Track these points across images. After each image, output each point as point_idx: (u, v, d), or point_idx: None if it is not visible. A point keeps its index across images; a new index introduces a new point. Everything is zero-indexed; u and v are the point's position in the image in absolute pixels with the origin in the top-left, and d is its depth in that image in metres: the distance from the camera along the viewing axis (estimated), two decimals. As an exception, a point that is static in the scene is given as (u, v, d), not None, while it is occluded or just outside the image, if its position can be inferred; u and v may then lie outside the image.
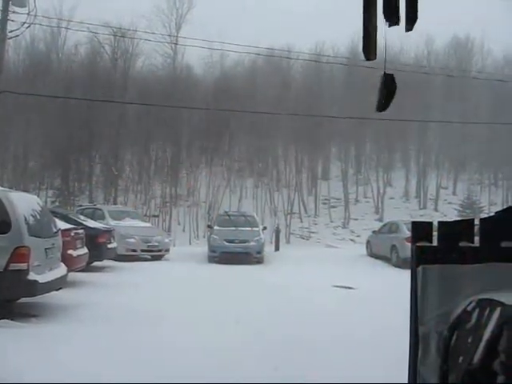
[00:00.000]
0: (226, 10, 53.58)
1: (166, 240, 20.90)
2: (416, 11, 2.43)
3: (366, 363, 5.89)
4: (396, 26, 2.63)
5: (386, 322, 7.56)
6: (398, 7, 2.47)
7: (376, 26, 2.48)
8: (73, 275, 11.17)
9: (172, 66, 46.79)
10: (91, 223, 15.84)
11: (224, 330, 7.59)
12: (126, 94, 39.82)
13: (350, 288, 12.87)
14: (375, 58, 2.51)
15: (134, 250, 18.96)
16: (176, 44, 44.59)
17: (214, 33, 37.10)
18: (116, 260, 16.63)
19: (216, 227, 20.99)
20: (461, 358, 2.42)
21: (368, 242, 23.32)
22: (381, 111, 2.78)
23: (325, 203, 42.01)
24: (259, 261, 19.66)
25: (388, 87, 2.67)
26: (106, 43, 43.30)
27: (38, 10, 16.13)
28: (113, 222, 19.09)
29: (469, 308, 2.55)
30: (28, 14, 16.28)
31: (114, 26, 39.99)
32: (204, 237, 32.75)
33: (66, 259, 10.37)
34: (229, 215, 22.22)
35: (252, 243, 19.62)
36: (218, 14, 50.10)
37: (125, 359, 6.00)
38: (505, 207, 3.03)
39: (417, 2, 2.42)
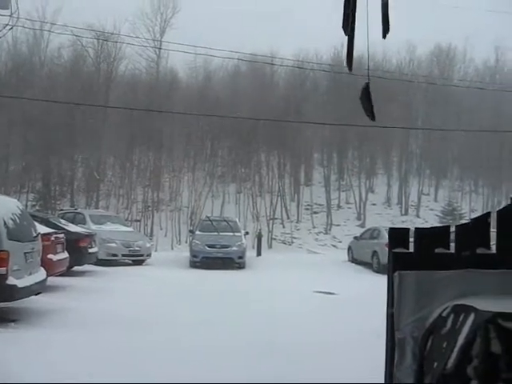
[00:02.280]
0: (210, 15, 53.46)
1: (148, 245, 20.82)
2: (388, 19, 2.49)
3: (344, 368, 5.92)
4: (376, 36, 2.69)
5: (366, 327, 7.58)
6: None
7: (353, 39, 2.54)
8: (53, 280, 11.09)
9: (156, 71, 46.68)
10: (72, 227, 15.73)
11: (202, 335, 7.57)
12: (109, 97, 39.62)
13: (331, 293, 12.92)
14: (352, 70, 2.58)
15: (115, 255, 18.86)
16: (160, 48, 44.50)
17: (198, 37, 37.17)
18: (97, 265, 16.53)
19: (198, 232, 20.96)
20: (435, 363, 2.44)
21: (349, 248, 23.43)
22: (374, 119, 2.85)
23: (307, 209, 42.06)
24: (241, 266, 19.66)
25: (369, 95, 2.74)
26: (90, 47, 43.08)
27: (20, 12, 16.02)
28: (94, 227, 18.98)
29: (444, 314, 2.58)
30: (10, 15, 16.18)
31: (98, 30, 39.89)
32: (186, 242, 32.63)
33: (46, 264, 10.29)
34: (211, 220, 22.18)
35: (234, 248, 19.62)
36: (202, 19, 50.07)
37: (104, 365, 5.97)
38: (480, 214, 3.07)
39: (388, 12, 2.49)
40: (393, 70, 44.41)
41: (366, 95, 2.77)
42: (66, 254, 12.72)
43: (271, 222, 38.32)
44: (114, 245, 18.85)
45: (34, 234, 9.49)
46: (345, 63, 2.78)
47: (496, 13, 35.65)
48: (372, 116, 2.79)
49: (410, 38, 46.56)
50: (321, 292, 13.00)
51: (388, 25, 2.50)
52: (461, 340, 2.33)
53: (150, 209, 39.22)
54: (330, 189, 42.72)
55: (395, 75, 40.76)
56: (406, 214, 42.51)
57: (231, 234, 20.41)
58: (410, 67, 47.92)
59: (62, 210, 25.11)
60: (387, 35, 2.55)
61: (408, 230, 2.86)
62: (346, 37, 2.75)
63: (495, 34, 53.33)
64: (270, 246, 35.17)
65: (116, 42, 40.98)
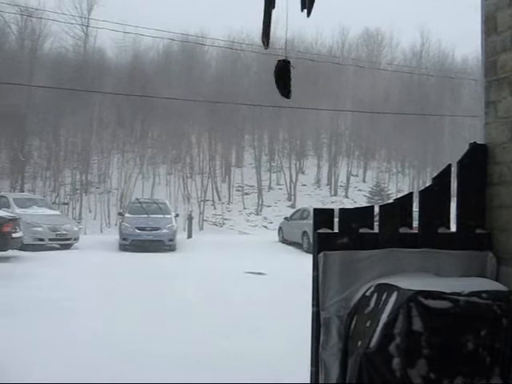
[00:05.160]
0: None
1: (76, 228, 20.33)
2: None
3: (274, 346, 5.97)
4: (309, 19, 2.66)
5: (294, 306, 7.65)
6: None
7: (270, 18, 2.51)
8: (-26, 265, 10.69)
9: (83, 49, 45.45)
10: (-5, 211, 15.16)
11: (132, 322, 7.43)
12: (33, 76, 38.24)
13: (261, 274, 13.00)
14: (268, 47, 2.56)
15: (42, 239, 18.32)
16: (87, 26, 43.34)
17: (128, 16, 36.46)
18: (22, 250, 16.00)
19: (127, 215, 20.62)
20: (359, 342, 2.47)
21: (280, 229, 23.60)
22: (289, 97, 2.82)
23: (238, 190, 42.18)
24: (171, 248, 19.50)
25: (286, 73, 2.71)
26: (12, 22, 41.49)
27: None
28: (19, 210, 18.35)
29: (368, 293, 2.60)
30: None
31: (21, 5, 38.39)
32: (116, 225, 32.13)
33: (-33, 249, 9.90)
34: (140, 202, 21.87)
35: (164, 230, 19.42)
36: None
37: (30, 353, 5.79)
38: (404, 194, 3.12)
39: None
40: (324, 53, 44.89)
41: (283, 73, 2.73)
42: (-12, 239, 12.26)
43: (202, 203, 38.24)
44: (40, 229, 18.30)
45: (-47, 219, 9.09)
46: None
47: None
48: (287, 95, 2.76)
49: (342, 21, 47.29)
50: (251, 273, 13.06)
51: (312, 3, 2.47)
52: (383, 319, 2.37)
53: (78, 191, 38.38)
54: (261, 170, 42.97)
55: (326, 58, 41.20)
56: (336, 194, 43.29)
57: (161, 216, 20.19)
58: (342, 50, 48.60)
59: (-16, 193, 24.14)
60: (311, 15, 2.53)
61: (332, 210, 2.87)
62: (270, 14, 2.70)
63: (421, 19, 54.76)
64: (202, 228, 35.13)
65: (41, 19, 39.58)
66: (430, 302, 2.32)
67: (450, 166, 2.95)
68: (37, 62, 41.46)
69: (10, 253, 15.09)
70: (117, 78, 41.61)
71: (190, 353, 5.80)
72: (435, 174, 2.99)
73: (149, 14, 40.28)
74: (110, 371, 5.19)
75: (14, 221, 15.27)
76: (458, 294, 2.36)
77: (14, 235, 14.80)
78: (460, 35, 46.14)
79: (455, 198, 2.94)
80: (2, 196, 20.63)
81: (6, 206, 18.70)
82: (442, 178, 2.91)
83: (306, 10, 2.69)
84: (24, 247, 16.16)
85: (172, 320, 7.50)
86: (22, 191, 34.33)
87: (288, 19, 2.74)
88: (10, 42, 42.68)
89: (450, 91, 44.45)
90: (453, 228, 2.93)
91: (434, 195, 2.90)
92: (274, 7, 2.49)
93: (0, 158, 39.68)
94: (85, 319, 7.49)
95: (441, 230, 2.88)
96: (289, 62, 2.87)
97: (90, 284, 10.86)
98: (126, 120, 41.94)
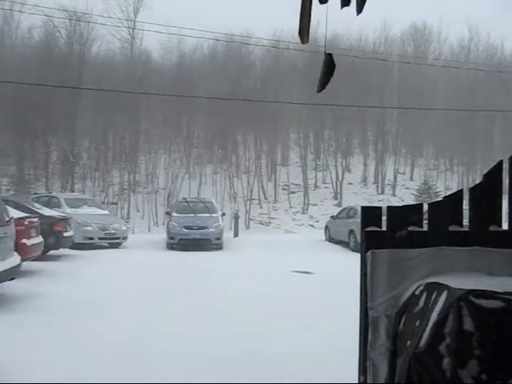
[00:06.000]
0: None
1: (124, 227, 20.68)
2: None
3: (319, 345, 5.95)
4: (351, 13, 2.62)
5: (341, 305, 7.61)
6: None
7: (310, 11, 2.48)
8: (27, 264, 10.95)
9: (130, 51, 46.12)
10: (46, 211, 15.52)
11: (177, 322, 7.49)
12: (82, 79, 39.03)
13: (308, 273, 12.96)
14: (308, 42, 2.52)
15: (92, 238, 18.73)
16: (134, 28, 43.94)
17: (173, 17, 36.89)
18: (73, 248, 16.42)
19: (174, 214, 20.86)
20: (409, 342, 2.44)
21: (326, 227, 23.52)
22: (319, 92, 2.78)
23: (284, 189, 42.14)
24: (218, 247, 19.65)
25: (328, 67, 2.67)
26: (61, 27, 42.41)
27: (-12, -8, 15.67)
28: (69, 210, 18.79)
29: (417, 292, 2.57)
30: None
31: (70, 10, 39.25)
32: (163, 224, 32.54)
33: (20, 248, 10.13)
34: (187, 202, 22.10)
35: (211, 229, 19.57)
36: (175, -1, 49.52)
37: (75, 351, 5.88)
38: (453, 191, 3.06)
39: None
40: (369, 50, 44.45)
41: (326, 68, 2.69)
42: (40, 239, 12.54)
43: (248, 202, 38.34)
44: (89, 228, 18.71)
45: (7, 219, 9.32)
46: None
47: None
48: (319, 89, 2.72)
49: (386, 16, 46.66)
50: (298, 271, 13.04)
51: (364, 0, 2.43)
52: (433, 318, 2.33)
53: (126, 191, 38.99)
54: (307, 168, 42.81)
55: (371, 54, 40.80)
56: (383, 193, 42.80)
57: (208, 215, 20.37)
58: (386, 46, 47.95)
59: (36, 193, 24.70)
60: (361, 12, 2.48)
61: (380, 208, 2.84)
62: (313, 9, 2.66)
63: (468, 12, 53.68)
64: (248, 227, 35.22)
65: (89, 22, 40.34)
66: (482, 302, 2.27)
67: (501, 162, 2.88)
68: (85, 65, 42.27)
69: (61, 251, 15.49)
70: (163, 78, 42.08)
71: (233, 351, 5.82)
72: (486, 171, 2.93)
73: (193, 16, 40.62)
74: (141, 372, 5.23)
75: (65, 220, 15.65)
76: (511, 294, 2.30)
77: (65, 234, 15.17)
78: (509, 27, 45.02)
79: (507, 196, 2.88)
80: (54, 196, 21.13)
81: (57, 205, 19.16)
82: (494, 174, 2.85)
83: (346, 8, 2.64)
84: (75, 246, 16.60)
85: (215, 318, 7.55)
86: (73, 191, 35.08)
87: (330, 15, 2.70)
88: (60, 46, 43.62)
89: (499, 86, 43.37)
90: (504, 226, 2.87)
91: (485, 192, 2.84)
92: (308, 6, 2.46)
93: (51, 159, 40.63)
94: (122, 319, 7.56)
95: (492, 228, 2.81)
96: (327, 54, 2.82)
97: (135, 283, 11.02)
98: (173, 120, 42.37)
